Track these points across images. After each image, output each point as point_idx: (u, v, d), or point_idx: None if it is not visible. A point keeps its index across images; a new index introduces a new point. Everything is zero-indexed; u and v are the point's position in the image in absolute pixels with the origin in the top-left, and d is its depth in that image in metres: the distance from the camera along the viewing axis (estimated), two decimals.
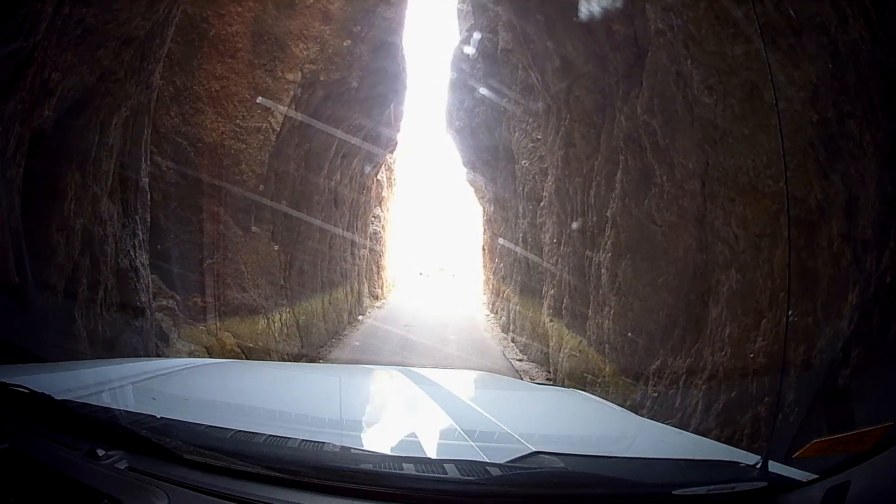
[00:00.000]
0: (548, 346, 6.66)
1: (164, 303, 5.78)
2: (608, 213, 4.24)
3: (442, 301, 18.01)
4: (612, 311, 4.12)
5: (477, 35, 9.53)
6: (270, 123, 6.58)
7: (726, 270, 2.87)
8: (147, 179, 4.85)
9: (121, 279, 4.26)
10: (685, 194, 3.06)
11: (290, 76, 7.02)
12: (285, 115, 6.83)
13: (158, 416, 1.28)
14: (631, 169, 3.76)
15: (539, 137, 7.52)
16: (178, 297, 5.89)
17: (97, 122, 3.81)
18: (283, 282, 7.55)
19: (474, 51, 9.82)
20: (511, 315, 9.94)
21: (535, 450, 1.22)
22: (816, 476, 1.09)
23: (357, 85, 8.04)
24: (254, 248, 6.74)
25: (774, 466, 1.16)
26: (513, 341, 9.46)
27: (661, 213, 3.33)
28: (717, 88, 2.77)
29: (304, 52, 7.02)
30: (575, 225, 6.76)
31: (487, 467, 1.15)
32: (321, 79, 7.29)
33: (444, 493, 1.12)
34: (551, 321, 6.52)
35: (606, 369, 4.24)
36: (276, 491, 1.08)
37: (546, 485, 1.16)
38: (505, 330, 10.61)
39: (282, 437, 1.24)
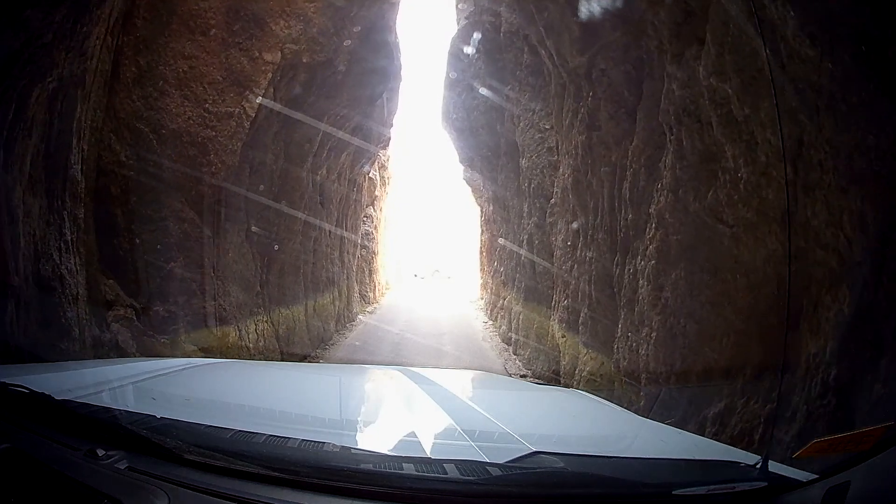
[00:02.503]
0: (558, 363, 5.85)
1: (122, 312, 5.20)
2: (651, 210, 3.45)
3: (437, 305, 17.87)
4: (653, 334, 3.32)
5: (477, 35, 9.34)
6: (244, 108, 6.10)
7: (832, 289, 2.18)
8: (80, 167, 4.37)
9: (42, 290, 3.74)
10: (770, 183, 2.19)
11: (268, 56, 6.54)
12: (261, 100, 6.36)
13: (158, 416, 1.30)
14: (687, 152, 2.96)
15: (548, 127, 6.85)
16: (138, 306, 5.35)
17: (14, 94, 3.32)
18: (259, 287, 7.22)
19: (474, 45, 9.65)
20: (513, 323, 9.61)
21: (534, 450, 1.25)
22: (816, 476, 1.10)
23: (344, 70, 7.69)
24: (224, 249, 6.33)
25: (774, 466, 1.18)
26: (515, 353, 9.11)
27: (734, 209, 2.56)
28: (822, 38, 2.09)
29: (285, 31, 6.53)
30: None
31: (487, 467, 1.17)
32: (304, 61, 6.83)
33: (444, 493, 1.13)
34: (563, 336, 5.77)
35: (642, 403, 3.39)
36: (277, 491, 1.10)
37: (546, 485, 1.18)
38: (506, 340, 10.26)
39: (282, 437, 1.26)
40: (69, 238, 4.03)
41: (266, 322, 7.18)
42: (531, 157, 7.70)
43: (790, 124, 2.34)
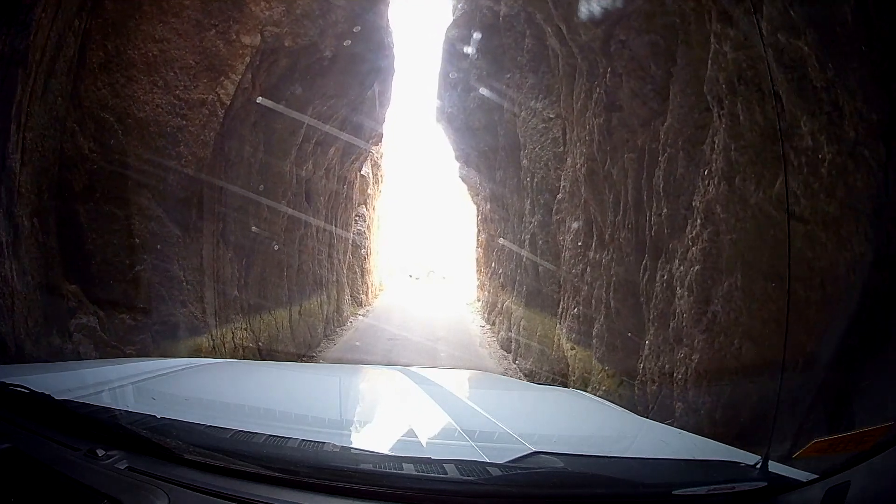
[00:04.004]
0: (566, 376, 5.44)
1: (85, 320, 4.81)
2: (695, 202, 2.95)
3: (432, 308, 17.62)
4: (695, 356, 2.85)
5: (474, 21, 8.99)
6: (219, 95, 5.86)
7: None
8: (18, 156, 3.99)
9: None
10: (859, 167, 1.72)
11: (246, 39, 6.13)
12: (238, 86, 5.95)
13: (158, 416, 1.35)
14: (745, 129, 2.46)
15: (552, 116, 6.55)
16: (102, 313, 4.96)
17: None
18: (236, 291, 6.85)
19: (472, 32, 9.20)
20: (513, 329, 9.28)
21: (534, 450, 1.27)
22: (816, 476, 1.13)
23: (331, 56, 7.32)
24: (196, 250, 5.92)
25: (774, 466, 1.20)
26: (515, 362, 8.78)
27: (813, 200, 2.09)
28: None
29: (266, 12, 6.15)
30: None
31: (487, 467, 1.20)
32: (286, 45, 6.46)
33: (444, 493, 1.16)
34: (573, 348, 5.36)
35: None
36: (276, 491, 1.13)
37: (546, 485, 1.21)
38: (505, 346, 9.98)
39: (282, 437, 1.29)
40: (5, 241, 3.71)
41: (245, 329, 6.89)
42: (534, 149, 7.38)
43: (880, 91, 1.84)
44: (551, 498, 1.18)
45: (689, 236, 3.17)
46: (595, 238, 5.09)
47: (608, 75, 4.24)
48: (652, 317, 3.68)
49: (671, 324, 3.35)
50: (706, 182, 3.00)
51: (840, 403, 1.88)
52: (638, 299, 4.03)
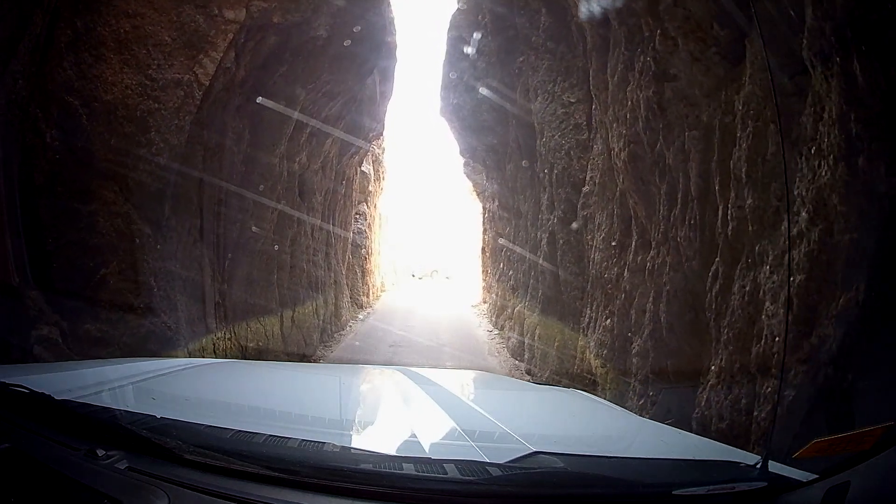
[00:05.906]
0: (593, 395, 4.61)
1: (46, 331, 4.49)
2: (797, 190, 2.26)
3: (435, 310, 17.46)
4: (789, 393, 2.17)
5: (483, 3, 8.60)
6: (196, 75, 5.74)
7: None
8: None
9: None
10: None
11: (229, 14, 5.69)
12: (219, 65, 5.52)
13: (158, 416, 1.40)
14: (864, 93, 2.01)
15: (573, 100, 6.11)
16: (65, 324, 4.59)
17: None
18: (218, 297, 6.49)
19: (480, 16, 8.88)
20: (526, 338, 8.89)
21: (534, 450, 1.31)
22: (816, 476, 1.15)
23: (326, 36, 6.94)
24: (170, 251, 5.47)
25: (774, 466, 1.23)
26: (528, 373, 8.41)
27: None
28: None
29: None
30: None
31: (487, 467, 1.24)
32: (274, 21, 6.08)
33: (444, 493, 1.19)
34: (604, 366, 4.62)
35: None
36: (276, 491, 1.16)
37: (546, 485, 1.25)
38: (517, 356, 9.59)
39: (282, 437, 1.34)
40: None
41: (229, 339, 6.55)
42: (552, 136, 7.05)
43: None
44: (551, 498, 1.22)
45: (788, 235, 2.47)
46: (636, 237, 4.50)
47: (657, 39, 3.57)
48: (724, 338, 3.00)
49: (753, 349, 2.67)
50: (813, 163, 2.29)
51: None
52: (699, 314, 3.40)
